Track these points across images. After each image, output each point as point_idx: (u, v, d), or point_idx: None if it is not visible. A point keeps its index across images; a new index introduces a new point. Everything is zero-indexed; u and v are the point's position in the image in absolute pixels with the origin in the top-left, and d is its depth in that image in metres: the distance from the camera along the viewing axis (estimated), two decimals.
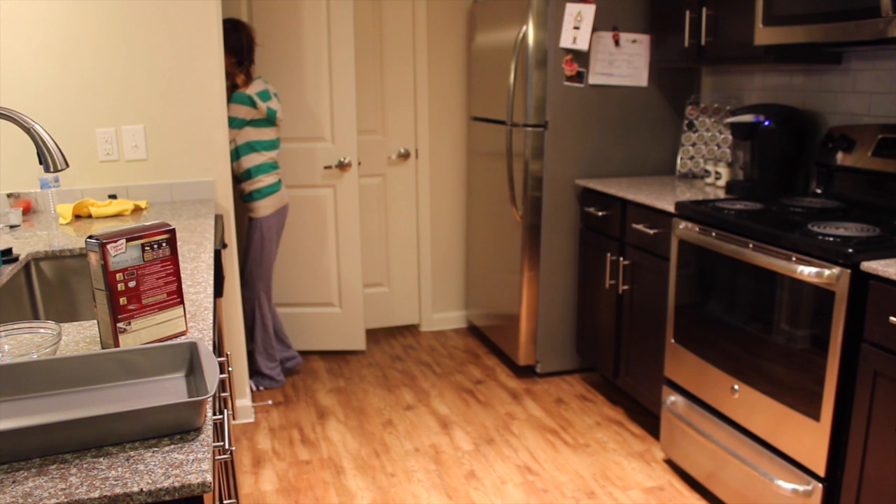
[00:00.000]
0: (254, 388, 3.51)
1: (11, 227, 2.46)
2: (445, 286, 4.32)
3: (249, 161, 3.26)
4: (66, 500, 0.86)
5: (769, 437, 2.21)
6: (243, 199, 3.34)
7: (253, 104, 3.16)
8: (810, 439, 2.05)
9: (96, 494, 0.88)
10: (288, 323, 3.87)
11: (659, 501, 2.57)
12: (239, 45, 3.15)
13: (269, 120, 3.24)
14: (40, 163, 1.64)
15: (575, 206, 3.43)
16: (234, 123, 3.16)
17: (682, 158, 3.40)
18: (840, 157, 2.57)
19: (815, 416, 2.03)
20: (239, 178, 3.31)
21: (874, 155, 2.43)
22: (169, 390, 1.17)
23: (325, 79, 3.57)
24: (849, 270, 1.90)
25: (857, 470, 1.93)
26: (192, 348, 1.22)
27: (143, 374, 1.21)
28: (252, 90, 3.16)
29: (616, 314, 3.15)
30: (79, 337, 1.39)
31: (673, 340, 2.66)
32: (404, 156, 4.10)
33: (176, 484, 0.90)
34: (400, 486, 2.68)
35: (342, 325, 3.88)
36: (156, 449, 0.98)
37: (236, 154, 3.25)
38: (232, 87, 3.19)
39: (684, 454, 2.63)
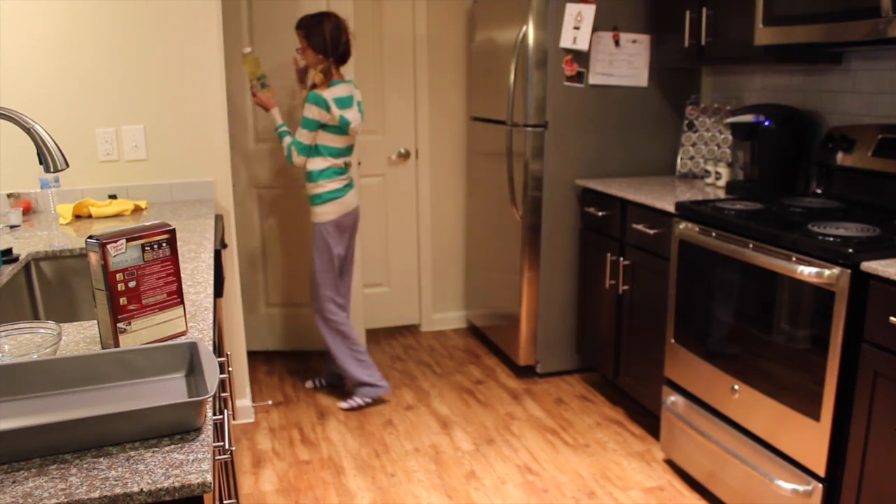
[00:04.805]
0: (361, 402, 3.31)
1: (11, 227, 2.46)
2: (445, 286, 4.32)
3: (314, 164, 3.07)
4: (66, 500, 0.86)
5: (769, 437, 2.21)
6: (309, 202, 3.17)
7: (327, 108, 2.95)
8: (810, 439, 2.05)
9: (96, 494, 0.88)
10: (288, 322, 3.87)
11: (659, 501, 2.57)
12: (322, 40, 2.97)
13: (341, 128, 3.03)
14: (40, 163, 1.64)
15: (575, 206, 3.43)
16: (305, 123, 3.00)
17: (682, 158, 3.40)
18: (840, 157, 2.57)
19: (816, 416, 2.03)
20: (305, 177, 3.14)
21: (874, 155, 2.43)
22: (169, 390, 1.17)
23: None
24: (849, 270, 1.90)
25: (857, 470, 1.93)
26: (192, 348, 1.22)
27: (143, 375, 1.21)
28: (330, 94, 2.96)
29: (616, 314, 3.14)
30: (79, 337, 1.39)
31: (673, 340, 2.66)
32: (404, 156, 4.10)
33: (176, 484, 0.90)
34: (400, 486, 2.68)
35: None
36: (156, 449, 0.98)
37: (308, 153, 3.06)
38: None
39: (684, 454, 2.63)
